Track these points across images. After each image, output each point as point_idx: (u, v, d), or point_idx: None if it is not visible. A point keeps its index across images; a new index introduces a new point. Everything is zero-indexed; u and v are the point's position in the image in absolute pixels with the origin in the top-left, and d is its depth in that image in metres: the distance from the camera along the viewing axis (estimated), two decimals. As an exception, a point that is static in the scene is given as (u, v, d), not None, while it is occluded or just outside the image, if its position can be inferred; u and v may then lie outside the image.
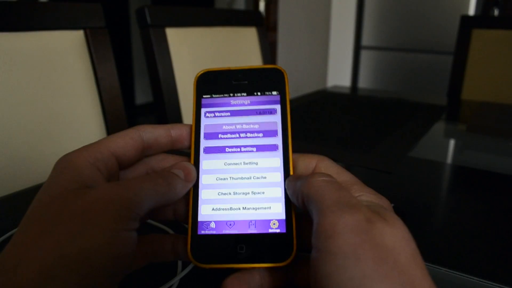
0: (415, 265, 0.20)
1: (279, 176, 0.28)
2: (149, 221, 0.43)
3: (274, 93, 0.30)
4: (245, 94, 0.31)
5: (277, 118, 0.30)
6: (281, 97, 0.30)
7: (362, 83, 2.61)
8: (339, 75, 2.65)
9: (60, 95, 0.75)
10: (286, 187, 0.27)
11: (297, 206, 0.27)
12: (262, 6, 3.54)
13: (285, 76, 0.31)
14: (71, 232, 0.21)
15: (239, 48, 1.23)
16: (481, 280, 0.37)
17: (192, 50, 1.05)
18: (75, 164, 0.24)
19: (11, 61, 0.68)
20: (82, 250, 0.20)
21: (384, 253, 0.20)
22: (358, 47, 2.60)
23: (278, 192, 0.28)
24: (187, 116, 1.03)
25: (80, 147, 0.25)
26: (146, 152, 0.29)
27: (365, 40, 2.55)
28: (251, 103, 0.30)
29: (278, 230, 0.26)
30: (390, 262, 0.20)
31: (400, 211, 0.46)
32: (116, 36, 3.56)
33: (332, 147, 0.73)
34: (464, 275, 0.37)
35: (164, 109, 0.96)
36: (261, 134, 0.29)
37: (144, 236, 0.27)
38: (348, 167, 0.65)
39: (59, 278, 0.19)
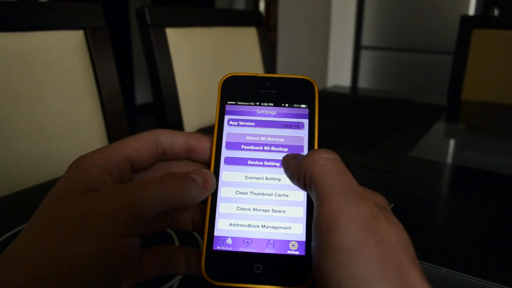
0: (415, 267, 0.20)
1: (301, 196, 0.27)
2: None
3: (303, 106, 0.29)
4: (272, 104, 0.29)
5: (304, 133, 0.29)
6: (309, 111, 0.29)
7: (362, 83, 2.61)
8: (339, 75, 2.65)
9: (60, 95, 0.75)
10: (283, 166, 0.26)
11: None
12: (262, 6, 3.54)
13: (316, 89, 0.29)
14: (65, 236, 0.20)
15: (239, 48, 1.23)
16: (481, 280, 0.37)
17: (192, 50, 1.05)
18: (85, 166, 0.24)
19: (11, 61, 0.68)
20: (74, 255, 0.20)
21: (388, 252, 0.20)
22: (358, 47, 2.60)
23: (300, 212, 0.26)
24: (187, 116, 1.03)
25: (81, 146, 0.25)
26: (160, 157, 0.28)
27: (365, 40, 2.55)
28: (278, 115, 0.29)
29: (297, 252, 0.25)
30: (393, 263, 0.19)
31: (400, 211, 0.46)
32: (116, 36, 3.56)
33: (332, 147, 0.73)
34: (464, 275, 0.37)
35: (164, 109, 0.96)
36: (286, 149, 0.28)
37: (157, 246, 0.27)
38: (348, 167, 0.64)
39: (50, 282, 0.19)
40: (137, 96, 3.88)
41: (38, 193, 0.55)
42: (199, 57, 1.07)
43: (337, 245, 0.20)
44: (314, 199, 0.22)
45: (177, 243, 0.42)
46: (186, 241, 0.42)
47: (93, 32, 0.80)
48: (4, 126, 0.67)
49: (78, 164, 0.24)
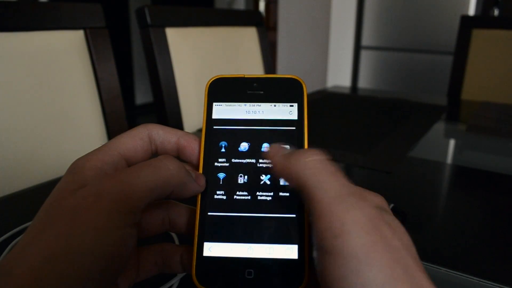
0: (420, 268, 0.20)
1: (293, 199, 0.26)
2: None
3: (291, 104, 0.29)
4: (260, 105, 0.29)
5: (294, 132, 0.28)
6: (298, 110, 0.28)
7: (362, 83, 2.61)
8: (339, 75, 2.65)
9: (60, 95, 0.75)
10: (271, 161, 0.25)
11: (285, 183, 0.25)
12: (262, 6, 3.55)
13: (304, 87, 0.29)
14: (60, 232, 0.20)
15: (239, 48, 1.23)
16: (481, 280, 0.37)
17: (192, 50, 1.05)
18: (82, 168, 0.24)
19: (11, 61, 0.68)
20: (69, 251, 0.19)
21: (396, 255, 0.19)
22: (358, 47, 2.60)
23: (292, 216, 0.26)
24: (187, 116, 1.03)
25: (80, 146, 0.25)
26: (153, 154, 0.28)
27: (365, 40, 2.55)
28: (266, 115, 0.28)
29: (289, 256, 0.25)
30: (401, 265, 0.19)
31: (400, 211, 0.46)
32: (116, 36, 3.56)
33: (332, 147, 0.73)
34: (464, 275, 0.37)
35: (164, 109, 0.96)
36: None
37: (153, 245, 0.27)
38: (348, 168, 0.65)
39: (47, 281, 0.19)
40: (137, 96, 3.88)
41: (38, 193, 0.55)
42: (199, 57, 1.07)
43: (346, 252, 0.19)
44: (308, 203, 0.22)
45: (177, 242, 0.42)
46: (186, 240, 0.42)
47: (93, 32, 0.80)
48: (4, 126, 0.67)
49: (75, 167, 0.24)
